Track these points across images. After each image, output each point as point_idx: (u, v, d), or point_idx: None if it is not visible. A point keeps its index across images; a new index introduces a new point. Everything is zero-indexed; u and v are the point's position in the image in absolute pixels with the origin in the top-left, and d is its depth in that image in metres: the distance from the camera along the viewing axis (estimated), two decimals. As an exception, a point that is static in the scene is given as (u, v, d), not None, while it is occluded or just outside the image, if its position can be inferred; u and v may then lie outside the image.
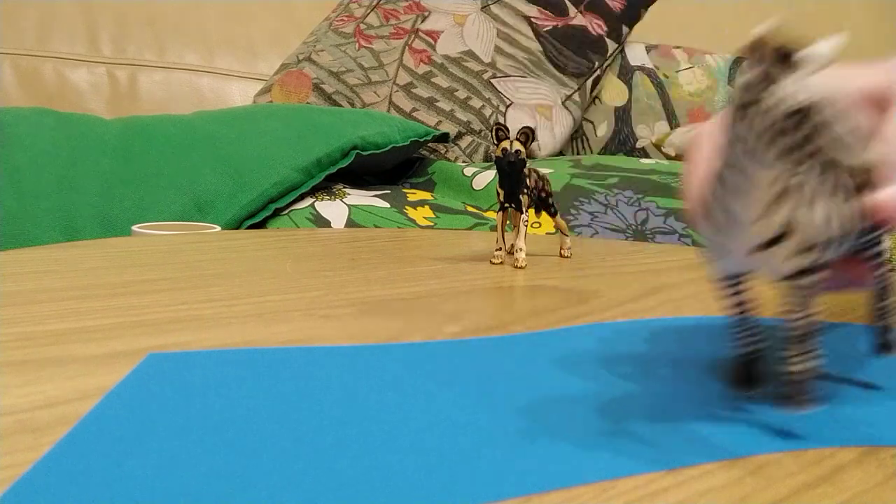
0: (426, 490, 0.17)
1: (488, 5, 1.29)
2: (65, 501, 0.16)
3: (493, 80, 1.20)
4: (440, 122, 1.13)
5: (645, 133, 1.37)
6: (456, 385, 0.24)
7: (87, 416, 0.20)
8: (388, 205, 0.78)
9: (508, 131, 0.44)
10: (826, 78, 0.17)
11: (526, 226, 0.46)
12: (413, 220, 0.76)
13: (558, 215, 0.50)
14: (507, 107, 1.18)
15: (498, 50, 1.24)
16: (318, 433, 0.20)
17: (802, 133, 0.17)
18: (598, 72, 1.29)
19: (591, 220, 0.79)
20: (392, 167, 0.99)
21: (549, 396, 0.23)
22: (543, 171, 0.97)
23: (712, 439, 0.21)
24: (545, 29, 1.28)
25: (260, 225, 0.75)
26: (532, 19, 1.28)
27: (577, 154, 1.38)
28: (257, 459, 0.18)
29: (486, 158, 1.14)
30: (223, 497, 0.16)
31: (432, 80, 1.18)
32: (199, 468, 0.18)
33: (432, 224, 0.76)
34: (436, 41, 1.23)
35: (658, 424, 0.22)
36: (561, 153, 1.28)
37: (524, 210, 0.46)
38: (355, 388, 0.23)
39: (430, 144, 1.12)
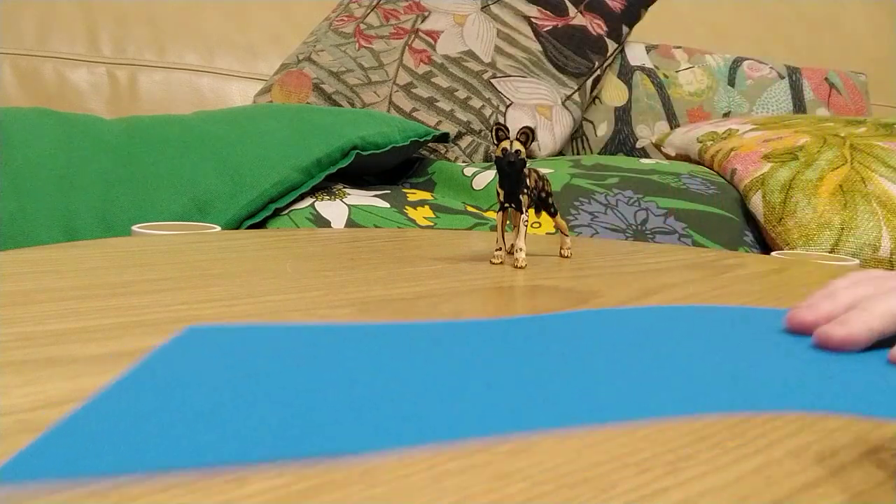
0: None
1: (488, 5, 1.29)
2: (87, 459, 0.17)
3: (493, 80, 1.19)
4: (440, 122, 1.13)
5: (645, 133, 1.37)
6: (451, 359, 0.26)
7: (122, 379, 0.22)
8: (388, 205, 0.78)
9: (508, 131, 0.44)
10: None
11: (526, 226, 0.46)
12: (413, 220, 0.76)
13: (558, 215, 0.50)
14: (507, 107, 1.18)
15: (498, 50, 1.24)
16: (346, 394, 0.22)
17: None
18: (598, 72, 1.29)
19: (591, 220, 0.79)
20: (392, 167, 0.98)
21: (545, 372, 0.23)
22: (543, 171, 0.97)
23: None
24: (545, 29, 1.28)
25: (260, 225, 0.75)
26: (532, 19, 1.28)
27: (577, 154, 1.38)
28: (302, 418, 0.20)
29: (486, 158, 1.14)
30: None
31: (432, 80, 1.18)
32: (233, 426, 0.19)
33: (432, 224, 0.76)
34: (436, 41, 1.23)
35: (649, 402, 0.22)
36: (561, 153, 1.28)
37: (524, 210, 0.46)
38: (379, 359, 0.26)
39: (430, 144, 1.12)
